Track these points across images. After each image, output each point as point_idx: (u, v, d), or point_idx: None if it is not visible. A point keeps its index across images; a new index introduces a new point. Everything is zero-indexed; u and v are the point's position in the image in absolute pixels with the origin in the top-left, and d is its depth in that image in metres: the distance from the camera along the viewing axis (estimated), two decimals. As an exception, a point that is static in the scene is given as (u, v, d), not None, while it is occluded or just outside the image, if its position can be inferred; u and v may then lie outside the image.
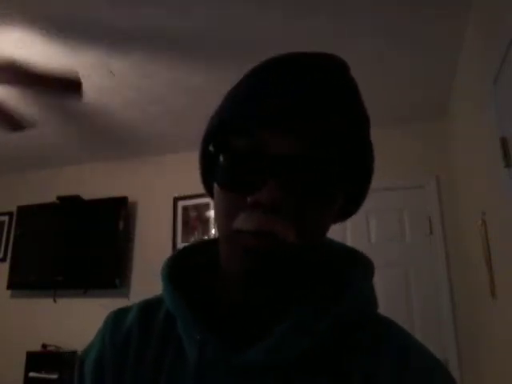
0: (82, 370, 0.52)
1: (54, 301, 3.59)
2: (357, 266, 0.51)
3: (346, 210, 0.52)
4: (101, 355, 0.51)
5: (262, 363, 0.44)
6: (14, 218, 3.96)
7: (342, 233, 2.93)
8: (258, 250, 0.42)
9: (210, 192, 0.53)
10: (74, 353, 3.43)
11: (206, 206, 3.51)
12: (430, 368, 0.46)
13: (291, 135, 0.43)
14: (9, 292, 3.80)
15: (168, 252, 3.51)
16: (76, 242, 3.64)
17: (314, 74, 0.45)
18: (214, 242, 0.56)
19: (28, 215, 3.87)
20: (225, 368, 0.45)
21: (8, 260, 3.85)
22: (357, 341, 0.47)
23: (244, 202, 0.43)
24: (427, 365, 0.46)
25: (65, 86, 2.31)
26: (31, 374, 3.27)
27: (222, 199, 0.47)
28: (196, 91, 2.72)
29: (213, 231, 3.46)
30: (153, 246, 3.58)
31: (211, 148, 0.49)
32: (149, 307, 0.55)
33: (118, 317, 0.55)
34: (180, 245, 3.51)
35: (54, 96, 2.48)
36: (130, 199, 3.68)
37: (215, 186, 0.48)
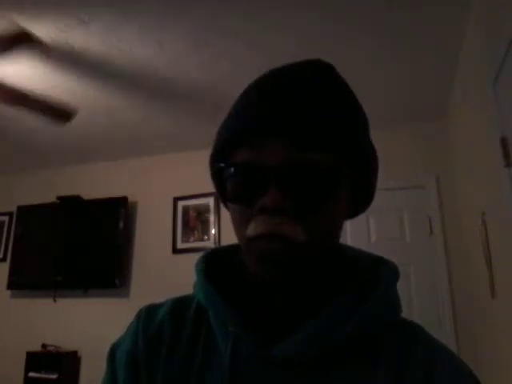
0: (113, 361, 0.54)
1: (54, 301, 3.59)
2: (381, 270, 0.53)
3: (357, 207, 0.55)
4: (134, 346, 0.53)
5: (290, 357, 0.46)
6: (14, 217, 3.97)
7: (342, 232, 2.93)
8: (269, 257, 0.45)
9: (225, 204, 0.56)
10: (74, 353, 3.44)
11: (206, 206, 3.51)
12: (457, 369, 0.48)
13: (287, 143, 0.45)
14: (9, 292, 3.81)
15: (168, 252, 3.51)
16: (76, 242, 3.64)
17: (301, 82, 0.48)
18: None
19: (28, 215, 3.87)
20: (256, 360, 0.47)
21: (8, 260, 3.85)
22: (384, 341, 0.48)
23: (252, 210, 0.46)
24: (454, 366, 0.48)
25: (58, 116, 2.37)
26: (31, 374, 3.27)
27: (233, 211, 0.50)
28: (196, 91, 2.72)
29: (212, 231, 3.46)
30: (153, 246, 3.59)
31: (219, 165, 0.52)
32: (180, 302, 0.57)
33: (150, 311, 0.57)
34: (180, 245, 3.51)
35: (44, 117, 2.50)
36: (130, 199, 3.68)
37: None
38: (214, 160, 0.53)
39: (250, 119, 0.47)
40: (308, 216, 0.46)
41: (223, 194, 0.53)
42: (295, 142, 0.45)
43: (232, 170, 0.49)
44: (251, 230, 0.46)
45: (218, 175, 0.54)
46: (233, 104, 0.52)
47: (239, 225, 0.49)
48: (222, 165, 0.51)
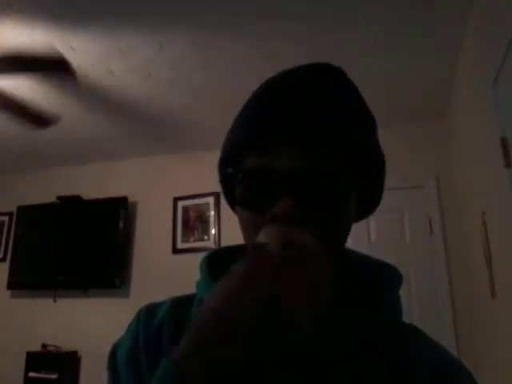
0: (114, 361, 0.54)
1: (54, 301, 3.59)
2: (385, 273, 0.53)
3: (365, 208, 0.54)
4: (135, 344, 0.53)
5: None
6: (14, 218, 3.96)
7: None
8: None
9: (234, 209, 0.56)
10: (74, 353, 3.44)
11: (206, 206, 3.50)
12: (458, 370, 0.49)
13: (298, 149, 0.45)
14: (9, 292, 3.80)
15: (168, 252, 3.51)
16: (76, 242, 3.63)
17: (313, 87, 0.48)
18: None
19: (28, 215, 3.87)
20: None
21: (8, 260, 3.85)
22: (385, 341, 0.49)
23: (263, 217, 0.46)
24: (454, 367, 0.49)
25: (52, 66, 2.32)
26: (31, 374, 3.27)
27: (243, 217, 0.50)
28: (196, 90, 2.72)
29: (212, 231, 3.46)
30: (153, 246, 3.59)
31: (228, 171, 0.52)
32: (181, 301, 0.57)
33: (150, 309, 0.57)
34: (180, 245, 3.51)
35: (46, 77, 2.45)
36: (130, 199, 3.68)
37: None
38: (223, 165, 0.53)
39: (261, 125, 0.47)
40: (319, 224, 0.45)
41: (231, 199, 0.53)
42: (307, 147, 0.45)
43: (242, 175, 0.49)
44: (262, 237, 0.45)
45: (226, 180, 0.53)
46: (242, 107, 0.52)
47: (249, 231, 0.49)
48: (232, 170, 0.50)
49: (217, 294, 0.40)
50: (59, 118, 2.43)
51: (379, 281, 0.52)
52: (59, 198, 3.77)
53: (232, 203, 0.55)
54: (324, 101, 0.47)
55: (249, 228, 0.49)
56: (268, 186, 0.46)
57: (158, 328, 0.53)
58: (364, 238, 3.06)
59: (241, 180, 0.49)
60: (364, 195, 0.52)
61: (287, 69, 0.51)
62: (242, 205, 0.49)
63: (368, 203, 0.54)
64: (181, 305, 0.56)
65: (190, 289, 0.57)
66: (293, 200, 0.44)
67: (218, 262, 0.57)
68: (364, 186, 0.51)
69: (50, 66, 2.27)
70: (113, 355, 0.55)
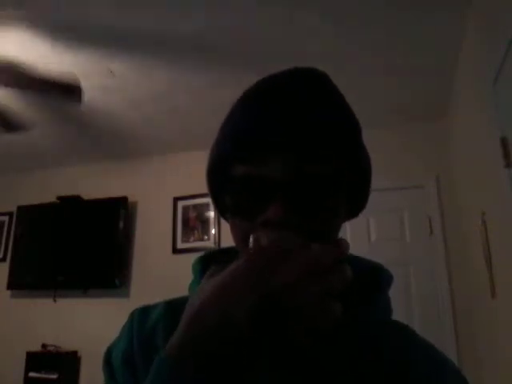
0: (109, 361, 0.54)
1: (54, 301, 3.59)
2: (383, 276, 0.54)
3: (353, 209, 0.55)
4: (130, 346, 0.53)
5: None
6: (14, 218, 3.96)
7: (342, 233, 2.90)
8: None
9: (224, 216, 0.56)
10: (74, 353, 3.44)
11: (206, 206, 3.50)
12: (455, 368, 0.50)
13: (294, 153, 0.45)
14: (9, 292, 3.80)
15: (168, 252, 3.51)
16: (76, 242, 3.63)
17: (309, 88, 0.48)
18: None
19: (28, 215, 3.87)
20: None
21: (8, 260, 3.85)
22: (384, 341, 0.49)
23: (254, 225, 0.46)
24: (451, 365, 0.50)
25: (64, 91, 2.29)
26: (31, 374, 3.27)
27: (234, 225, 0.50)
28: (196, 91, 2.72)
29: (212, 231, 3.46)
30: (153, 246, 3.59)
31: (218, 178, 0.51)
32: (174, 304, 0.56)
33: (144, 311, 0.57)
34: (180, 245, 3.51)
35: (53, 99, 2.45)
36: (130, 199, 3.68)
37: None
38: (212, 172, 0.52)
39: (250, 131, 0.46)
40: (311, 228, 0.45)
41: (222, 207, 0.53)
42: (305, 150, 0.45)
43: (233, 183, 0.48)
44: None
45: (216, 188, 0.53)
46: (229, 113, 0.51)
47: (240, 239, 0.48)
48: (222, 178, 0.50)
49: (213, 283, 0.38)
50: (29, 126, 2.42)
51: (375, 281, 0.52)
52: (59, 198, 3.77)
53: (222, 212, 0.55)
54: (322, 101, 0.47)
55: (240, 236, 0.48)
56: (261, 193, 0.45)
57: (151, 330, 0.53)
58: (364, 238, 3.05)
59: (232, 188, 0.48)
60: (357, 195, 0.52)
61: (274, 73, 0.51)
62: (234, 213, 0.49)
63: (359, 203, 0.54)
64: (174, 307, 0.55)
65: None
66: (285, 205, 0.44)
67: (211, 264, 0.56)
68: (359, 187, 0.51)
69: (63, 91, 2.26)
70: (107, 357, 0.55)
